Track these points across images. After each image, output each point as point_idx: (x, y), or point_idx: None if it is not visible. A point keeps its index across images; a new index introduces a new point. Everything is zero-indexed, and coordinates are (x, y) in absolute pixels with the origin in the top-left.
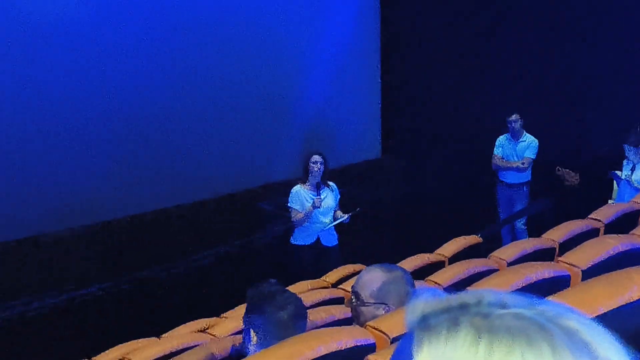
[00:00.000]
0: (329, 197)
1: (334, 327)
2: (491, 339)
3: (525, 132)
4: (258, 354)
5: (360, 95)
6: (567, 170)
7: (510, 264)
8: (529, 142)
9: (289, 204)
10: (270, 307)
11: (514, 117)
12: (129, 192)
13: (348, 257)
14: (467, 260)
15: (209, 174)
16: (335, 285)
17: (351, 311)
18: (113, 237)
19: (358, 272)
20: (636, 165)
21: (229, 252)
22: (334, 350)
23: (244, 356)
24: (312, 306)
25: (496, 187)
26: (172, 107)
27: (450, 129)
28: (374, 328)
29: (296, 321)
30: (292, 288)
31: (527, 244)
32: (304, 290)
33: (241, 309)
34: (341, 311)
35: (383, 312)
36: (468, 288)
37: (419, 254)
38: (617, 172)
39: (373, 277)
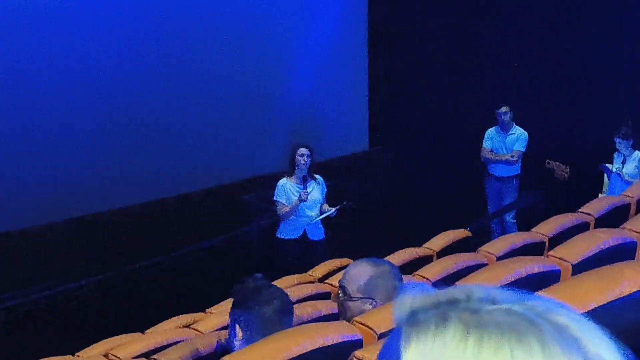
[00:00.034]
0: (316, 191)
1: (320, 323)
2: (480, 334)
3: (514, 125)
4: (243, 350)
5: (348, 87)
6: (557, 163)
7: (499, 258)
8: (518, 135)
9: (275, 198)
10: (256, 302)
11: (503, 109)
12: (111, 185)
13: (335, 251)
14: (455, 254)
15: (194, 167)
16: (321, 279)
17: (338, 306)
18: (96, 231)
19: (345, 267)
20: (627, 158)
21: (213, 246)
22: (320, 346)
23: (230, 352)
24: (298, 301)
25: (485, 180)
26: (156, 100)
27: (438, 122)
28: (361, 323)
29: (282, 316)
30: (278, 282)
31: (517, 238)
32: (290, 284)
33: (226, 304)
34: (327, 306)
35: (370, 307)
36: (457, 283)
37: (407, 248)
38: (607, 165)
39: (360, 272)
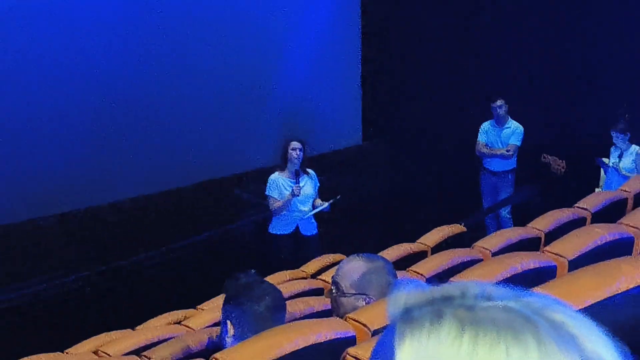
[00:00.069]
0: (308, 185)
1: (313, 319)
2: (475, 331)
3: (510, 118)
4: (235, 347)
5: (341, 81)
6: (554, 157)
7: (494, 254)
8: (514, 129)
9: (266, 192)
10: (247, 298)
11: (498, 102)
12: (100, 180)
13: (328, 247)
14: (450, 250)
15: (185, 161)
16: (314, 275)
17: (331, 302)
18: (85, 226)
19: (338, 263)
20: (624, 152)
21: (204, 241)
22: (312, 343)
23: (221, 349)
24: (291, 297)
25: (480, 175)
26: (147, 94)
27: (432, 115)
28: (354, 320)
29: (274, 313)
30: (270, 278)
31: (512, 234)
32: (282, 280)
33: (218, 300)
34: (320, 302)
35: (363, 303)
36: (451, 279)
37: (401, 244)
38: (604, 159)
39: (354, 267)
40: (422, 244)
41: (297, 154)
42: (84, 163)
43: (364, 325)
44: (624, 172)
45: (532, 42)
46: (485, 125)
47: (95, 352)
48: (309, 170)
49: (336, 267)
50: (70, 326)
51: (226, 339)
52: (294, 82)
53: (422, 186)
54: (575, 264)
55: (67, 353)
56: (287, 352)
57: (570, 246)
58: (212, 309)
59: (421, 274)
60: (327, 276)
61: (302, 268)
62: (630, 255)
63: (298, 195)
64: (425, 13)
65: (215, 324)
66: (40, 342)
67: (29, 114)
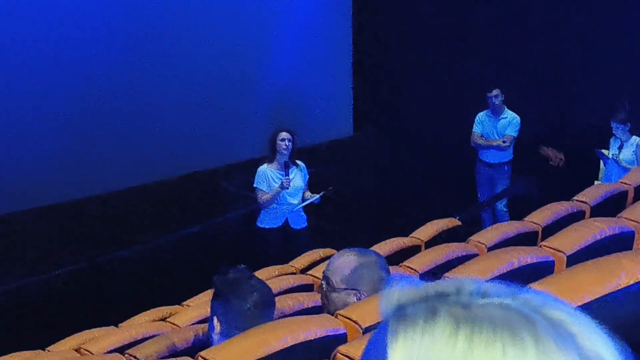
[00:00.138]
0: (298, 178)
1: (302, 316)
2: (471, 329)
3: (506, 108)
4: (221, 345)
5: (331, 69)
6: (551, 148)
7: (490, 248)
8: (510, 119)
9: (255, 185)
10: (234, 295)
11: (494, 92)
12: (82, 173)
13: (318, 241)
14: (444, 244)
15: (170, 153)
16: (303, 271)
17: (321, 298)
18: (67, 220)
19: (328, 258)
20: (624, 144)
21: (190, 235)
22: (302, 340)
23: (208, 346)
24: (280, 293)
25: (475, 167)
26: (131, 84)
27: (426, 105)
28: (345, 317)
29: (262, 310)
30: (258, 274)
31: (509, 228)
32: (271, 276)
33: (204, 297)
34: (310, 299)
35: (355, 299)
36: (446, 274)
37: (394, 238)
38: (603, 150)
39: (345, 262)
40: (416, 238)
41: (286, 145)
42: (66, 154)
43: (355, 322)
44: (624, 164)
45: (528, 30)
46: (481, 116)
47: (77, 350)
48: (299, 162)
49: (327, 262)
50: (51, 323)
51: (213, 335)
52: (283, 71)
53: (416, 178)
54: (574, 259)
55: (48, 351)
56: (275, 351)
57: (568, 241)
58: (198, 305)
59: (414, 269)
60: (317, 271)
61: (291, 263)
62: (631, 250)
63: (287, 188)
64: (418, 1)
65: (201, 321)
66: (20, 339)
67: (11, 105)
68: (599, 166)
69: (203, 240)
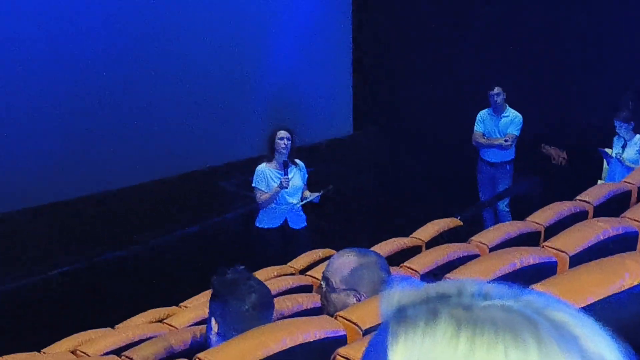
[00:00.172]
0: (297, 177)
1: (301, 318)
2: (473, 332)
3: (508, 107)
4: (219, 347)
5: (331, 68)
6: (554, 147)
7: (492, 249)
8: (512, 118)
9: (253, 184)
10: (232, 296)
11: (496, 90)
12: (79, 172)
13: (317, 241)
14: (445, 244)
15: (168, 152)
16: (303, 271)
17: (320, 299)
18: (64, 220)
19: (327, 258)
20: (628, 143)
21: (188, 235)
22: (300, 342)
23: (206, 348)
24: (278, 294)
25: (477, 166)
26: (127, 81)
27: (427, 104)
28: (345, 318)
29: (261, 311)
30: (256, 274)
31: (511, 228)
32: (270, 277)
33: (202, 298)
34: (309, 300)
35: (354, 299)
36: (447, 275)
37: (394, 238)
38: (607, 149)
39: (344, 262)
40: (416, 238)
41: (284, 144)
42: (63, 153)
43: (355, 324)
44: (627, 163)
45: (530, 27)
46: (482, 114)
47: (73, 352)
48: (298, 161)
49: (326, 263)
50: (47, 324)
51: (211, 336)
52: (283, 70)
53: (417, 178)
54: (577, 260)
55: (43, 353)
56: (273, 353)
57: (571, 241)
58: (196, 306)
59: (415, 270)
60: (316, 272)
61: (290, 264)
62: (635, 250)
63: (286, 188)
64: None
65: (199, 323)
66: (15, 340)
67: (7, 104)
68: (602, 165)
69: (201, 240)
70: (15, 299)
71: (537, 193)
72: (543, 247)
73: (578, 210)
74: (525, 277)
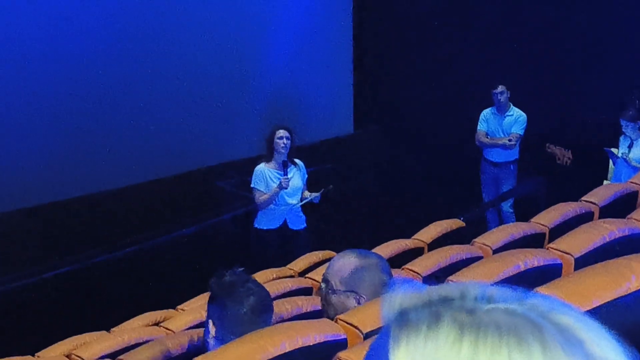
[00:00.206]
0: (296, 177)
1: (301, 321)
2: (476, 336)
3: (512, 106)
4: (216, 351)
5: (331, 66)
6: (559, 147)
7: (495, 250)
8: (516, 117)
9: (252, 185)
10: (230, 299)
11: (499, 88)
12: (75, 172)
13: (317, 243)
14: (448, 246)
15: (164, 151)
16: (302, 274)
17: (321, 301)
18: (58, 221)
19: (327, 260)
20: (634, 142)
21: (185, 236)
22: (300, 346)
23: (204, 351)
24: (278, 297)
25: (480, 166)
26: (124, 80)
27: (429, 102)
28: (345, 322)
29: (259, 314)
30: (255, 277)
31: (515, 229)
32: (269, 279)
33: (199, 300)
34: (309, 303)
35: (354, 302)
36: (449, 277)
37: (396, 240)
38: (612, 149)
39: (345, 263)
40: (419, 240)
41: (284, 144)
42: (58, 153)
43: (356, 327)
44: (634, 163)
45: (534, 24)
46: (486, 113)
47: (68, 356)
48: (297, 161)
49: (326, 265)
50: (41, 327)
51: (208, 340)
52: (282, 68)
53: (419, 178)
54: (582, 262)
55: (37, 356)
56: (272, 357)
57: (576, 243)
58: (193, 309)
59: (417, 272)
60: (316, 274)
61: (289, 266)
62: None
63: (286, 188)
64: None
65: (196, 326)
66: (8, 344)
67: (3, 104)
68: (608, 165)
69: (199, 242)
70: (9, 301)
71: (542, 194)
72: (548, 249)
73: (583, 211)
74: (529, 279)
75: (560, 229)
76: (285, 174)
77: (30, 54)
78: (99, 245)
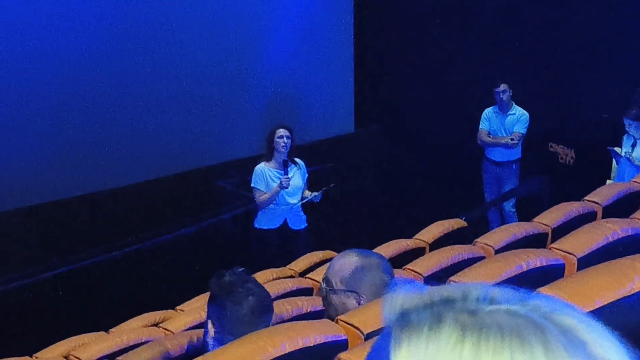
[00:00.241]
0: (297, 176)
1: (301, 322)
2: (478, 337)
3: (514, 104)
4: (215, 352)
5: (332, 65)
6: (561, 146)
7: (497, 251)
8: (518, 116)
9: (252, 185)
10: (229, 299)
11: (502, 87)
12: (73, 171)
13: (318, 242)
14: (450, 246)
15: (163, 150)
16: (302, 274)
17: (322, 301)
18: (56, 220)
19: (328, 260)
20: (637, 141)
21: (184, 236)
22: (300, 347)
23: (203, 352)
24: (278, 297)
25: (482, 165)
26: (122, 78)
27: (430, 101)
28: (346, 322)
29: (259, 315)
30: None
31: (517, 229)
32: (269, 279)
33: (198, 301)
34: (309, 303)
35: (354, 301)
36: (451, 278)
37: (397, 240)
38: (616, 148)
39: (346, 263)
40: (420, 239)
41: (284, 143)
42: (56, 152)
43: (357, 328)
44: (637, 163)
45: (536, 22)
46: (488, 112)
47: (66, 357)
48: (298, 160)
49: (327, 265)
50: (38, 328)
51: (208, 340)
52: (283, 66)
53: (420, 177)
54: (585, 262)
55: (35, 357)
56: (272, 358)
57: (579, 243)
58: (193, 310)
59: (419, 273)
60: (316, 275)
61: (289, 266)
62: None
63: (286, 187)
64: None
65: (196, 327)
66: (5, 345)
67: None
68: (612, 165)
69: (198, 242)
70: (6, 302)
71: (544, 193)
72: (550, 249)
73: (586, 211)
74: (532, 280)
75: (563, 229)
76: (286, 173)
77: (29, 53)
78: (98, 244)
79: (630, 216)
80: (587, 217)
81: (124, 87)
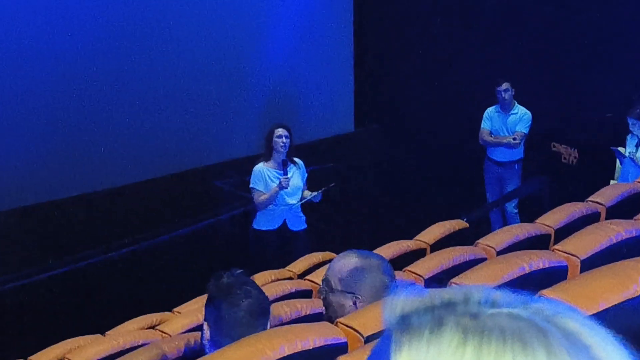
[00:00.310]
0: (296, 176)
1: (300, 324)
2: (479, 341)
3: (516, 104)
4: (213, 354)
5: (332, 64)
6: (564, 146)
7: (500, 252)
8: (521, 115)
9: (251, 185)
10: (226, 301)
11: (504, 86)
12: (69, 171)
13: (317, 243)
14: (451, 247)
15: (161, 150)
16: (301, 276)
17: (323, 302)
18: (52, 221)
19: (327, 262)
20: None
21: (181, 237)
22: (299, 350)
23: (200, 355)
24: (276, 299)
25: (484, 165)
26: (120, 78)
27: (431, 100)
28: (346, 325)
29: (256, 318)
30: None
31: (519, 230)
32: (267, 281)
33: (196, 303)
34: (308, 305)
35: (351, 303)
36: (453, 280)
37: (397, 241)
38: (619, 148)
39: (345, 263)
40: (421, 241)
41: (283, 142)
42: (53, 152)
43: (357, 331)
44: None
45: (538, 20)
46: (490, 111)
47: None
48: (297, 160)
49: (326, 267)
50: (33, 330)
51: (203, 342)
52: (282, 66)
53: (421, 177)
54: (589, 264)
55: None
56: None
57: (582, 244)
58: (190, 312)
59: (419, 275)
60: (316, 276)
61: (288, 267)
62: None
63: (286, 188)
64: None
65: (193, 329)
66: (0, 347)
67: None
68: (615, 165)
69: (196, 243)
70: (1, 303)
71: (547, 194)
72: (553, 250)
73: (590, 211)
74: (534, 282)
75: (566, 230)
76: (285, 173)
77: (25, 52)
78: (95, 245)
79: (635, 217)
80: (590, 218)
81: (120, 86)
